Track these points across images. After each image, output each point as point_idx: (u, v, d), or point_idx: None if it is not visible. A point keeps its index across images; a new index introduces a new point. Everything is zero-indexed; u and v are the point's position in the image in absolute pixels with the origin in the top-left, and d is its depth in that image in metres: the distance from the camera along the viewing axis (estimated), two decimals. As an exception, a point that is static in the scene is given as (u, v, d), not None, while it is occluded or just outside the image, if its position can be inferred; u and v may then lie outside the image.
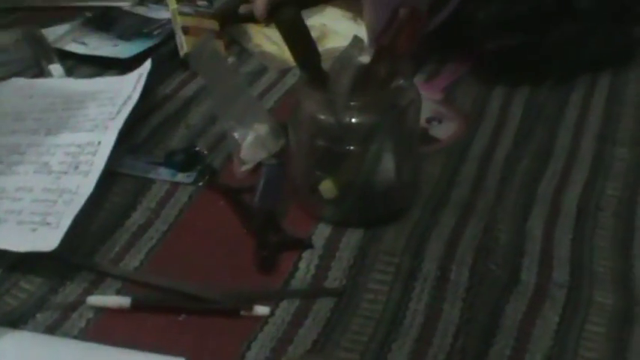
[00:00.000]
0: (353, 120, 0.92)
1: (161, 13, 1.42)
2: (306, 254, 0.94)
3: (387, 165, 0.95)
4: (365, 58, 0.96)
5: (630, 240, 0.99)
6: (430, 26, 1.26)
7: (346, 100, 0.93)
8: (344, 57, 0.96)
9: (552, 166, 1.10)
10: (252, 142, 1.06)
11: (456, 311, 0.87)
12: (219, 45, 1.30)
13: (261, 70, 1.29)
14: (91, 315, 0.87)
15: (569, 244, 0.97)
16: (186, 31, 1.31)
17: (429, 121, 1.17)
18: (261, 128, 1.07)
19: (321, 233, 0.97)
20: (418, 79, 1.27)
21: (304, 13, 1.37)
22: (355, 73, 0.95)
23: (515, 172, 1.08)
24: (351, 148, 0.93)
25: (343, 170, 0.95)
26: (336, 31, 1.35)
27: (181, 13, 1.33)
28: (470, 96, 1.24)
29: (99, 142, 1.06)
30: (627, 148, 1.16)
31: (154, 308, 0.87)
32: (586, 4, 1.30)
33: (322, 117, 0.93)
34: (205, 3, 1.39)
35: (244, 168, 1.06)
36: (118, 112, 1.11)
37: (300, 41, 0.92)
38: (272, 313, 0.86)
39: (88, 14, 1.45)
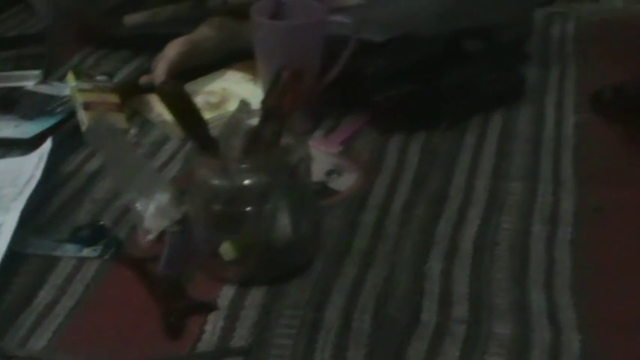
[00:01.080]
0: (246, 182, 0.95)
1: (64, 90, 1.43)
2: (211, 316, 0.95)
3: (284, 222, 0.98)
4: (255, 121, 0.99)
5: (526, 270, 1.03)
6: (325, 81, 1.30)
7: (238, 163, 0.96)
8: (233, 121, 0.99)
9: (449, 208, 1.14)
10: (154, 211, 1.08)
11: (360, 359, 0.89)
12: (120, 118, 1.32)
13: (164, 140, 1.31)
14: (-2, 400, 0.86)
15: (467, 280, 1.01)
16: (87, 106, 1.32)
17: (328, 174, 1.20)
18: (163, 197, 1.09)
19: (226, 294, 0.99)
20: (318, 134, 1.31)
21: (205, 79, 1.43)
22: (245, 136, 0.98)
23: (413, 218, 1.12)
24: (247, 209, 0.96)
25: (241, 232, 0.97)
26: (237, 94, 1.38)
27: (81, 90, 1.35)
28: (368, 147, 1.28)
29: (1, 225, 1.06)
30: (519, 182, 1.21)
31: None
32: (474, 48, 1.36)
33: (216, 182, 0.96)
34: (105, 77, 1.41)
35: (149, 238, 1.08)
36: (20, 192, 1.12)
37: (185, 112, 0.95)
38: (180, 379, 0.87)
39: (-10, 97, 1.46)
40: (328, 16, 1.25)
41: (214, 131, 0.98)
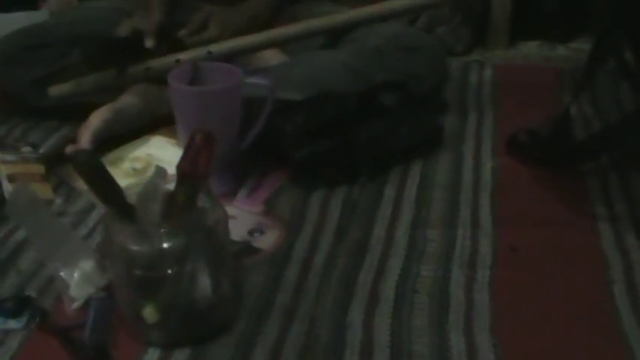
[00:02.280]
0: (165, 245, 0.97)
1: (-10, 163, 1.44)
2: (137, 381, 0.97)
3: (204, 283, 0.99)
4: (172, 185, 1.02)
5: (446, 315, 1.06)
6: (245, 142, 1.33)
7: (156, 227, 0.98)
8: (150, 187, 1.01)
9: (369, 259, 1.17)
10: (78, 279, 1.09)
11: (283, 413, 0.91)
12: (46, 188, 1.34)
13: (90, 208, 1.32)
14: None
15: (388, 329, 1.04)
16: (12, 178, 1.33)
17: (251, 233, 1.22)
18: (87, 265, 1.10)
19: (151, 357, 1.00)
20: (240, 194, 1.34)
21: (130, 146, 1.45)
22: (162, 201, 1.00)
23: (334, 270, 1.15)
24: (167, 272, 0.98)
25: (162, 294, 0.99)
26: (162, 159, 1.40)
27: (5, 162, 1.36)
28: (290, 203, 1.31)
29: None
30: (439, 229, 1.24)
31: None
32: (390, 101, 1.41)
33: (135, 247, 0.97)
34: (30, 148, 1.42)
35: (75, 305, 1.09)
36: (-57, 268, 1.12)
37: (100, 182, 0.97)
38: None
39: None
40: (245, 79, 1.28)
41: (132, 198, 1.00)
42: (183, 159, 1.00)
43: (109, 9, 1.67)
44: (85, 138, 1.40)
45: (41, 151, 1.47)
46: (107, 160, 1.40)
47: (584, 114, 1.61)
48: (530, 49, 1.97)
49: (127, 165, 1.40)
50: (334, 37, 1.51)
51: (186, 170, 0.99)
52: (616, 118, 1.58)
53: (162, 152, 1.43)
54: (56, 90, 1.50)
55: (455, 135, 1.53)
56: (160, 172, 1.02)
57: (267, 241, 1.21)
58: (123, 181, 1.24)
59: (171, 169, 1.02)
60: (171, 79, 1.28)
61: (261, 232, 1.23)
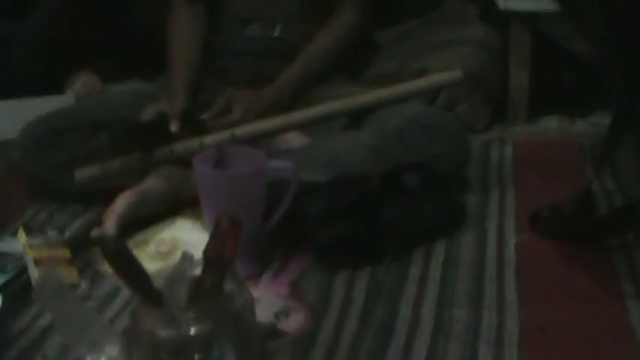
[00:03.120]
0: (191, 331, 0.97)
1: (16, 247, 1.45)
2: None
3: (231, 367, 0.99)
4: (198, 270, 1.02)
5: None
6: (270, 225, 1.34)
7: (183, 312, 0.98)
8: (176, 272, 1.02)
9: (395, 340, 1.17)
10: (104, 364, 1.09)
11: None
12: (71, 272, 1.35)
13: (115, 292, 1.33)
14: None
15: (416, 411, 1.02)
16: (38, 262, 1.34)
17: (277, 316, 1.22)
18: (113, 350, 1.10)
19: None
20: (265, 277, 1.34)
21: (155, 228, 1.46)
22: (188, 286, 1.01)
23: (359, 354, 1.14)
24: (194, 357, 0.98)
25: (189, 380, 0.98)
26: (187, 241, 1.41)
27: (32, 246, 1.37)
28: (314, 286, 1.31)
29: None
30: (464, 308, 1.24)
31: None
32: (413, 181, 1.42)
33: (162, 332, 0.98)
34: (55, 233, 1.44)
35: (101, 391, 1.08)
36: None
37: (127, 267, 0.98)
38: None
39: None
40: (268, 163, 1.30)
41: (159, 282, 1.01)
42: (209, 244, 1.01)
43: (133, 93, 1.71)
44: (111, 221, 1.42)
45: (67, 234, 1.48)
46: (132, 242, 1.41)
47: (607, 189, 1.61)
48: (550, 124, 1.98)
49: (152, 248, 1.41)
50: (356, 118, 1.53)
51: (213, 256, 1.00)
52: (639, 193, 1.58)
53: (188, 235, 1.44)
54: (82, 173, 1.53)
55: (478, 213, 1.53)
56: (187, 257, 1.03)
57: (292, 323, 1.21)
58: (148, 264, 1.26)
59: (197, 252, 1.03)
60: (197, 163, 1.30)
61: (287, 315, 1.23)
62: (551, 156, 1.81)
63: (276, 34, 1.65)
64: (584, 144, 1.84)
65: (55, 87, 2.08)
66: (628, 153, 1.65)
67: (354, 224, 1.33)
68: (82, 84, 2.11)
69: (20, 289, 1.34)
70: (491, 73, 1.92)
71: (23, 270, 1.37)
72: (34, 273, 1.34)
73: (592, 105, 2.02)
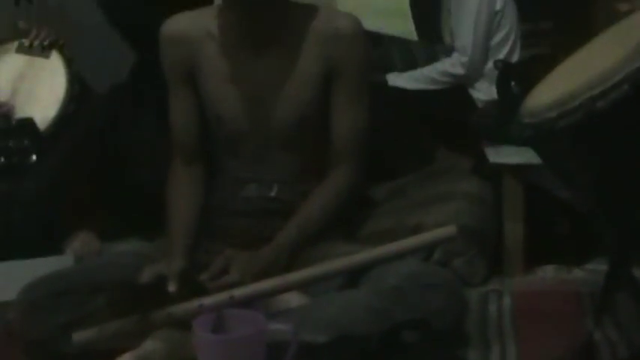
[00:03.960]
0: None
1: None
2: None
3: None
4: None
5: None
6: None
7: None
8: None
9: None
10: None
11: None
12: None
13: None
14: None
15: None
16: None
17: None
18: None
19: None
20: None
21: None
22: None
23: None
24: None
25: None
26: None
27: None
28: None
29: None
30: None
31: None
32: (411, 339, 1.42)
33: None
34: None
35: None
36: None
37: None
38: None
39: None
40: (268, 325, 1.30)
41: None
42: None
43: (132, 254, 1.72)
44: (110, 386, 1.40)
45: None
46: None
47: (609, 338, 1.60)
48: (547, 273, 1.99)
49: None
50: (353, 276, 1.54)
51: None
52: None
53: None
54: (80, 336, 1.51)
55: (479, 369, 1.52)
56: None
57: None
58: None
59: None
60: (196, 327, 1.30)
61: None
62: (550, 306, 1.81)
63: (273, 194, 1.69)
64: (583, 292, 1.84)
65: (54, 246, 2.10)
66: (629, 300, 1.65)
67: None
68: (81, 243, 2.13)
69: None
70: (485, 226, 1.95)
71: None
72: None
73: (588, 252, 2.03)
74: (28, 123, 2.01)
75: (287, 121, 1.67)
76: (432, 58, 2.66)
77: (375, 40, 2.63)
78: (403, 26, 3.06)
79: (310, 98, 1.67)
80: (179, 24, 1.74)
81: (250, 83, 1.68)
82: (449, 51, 2.61)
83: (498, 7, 2.54)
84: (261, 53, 1.67)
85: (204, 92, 1.71)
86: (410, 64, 2.70)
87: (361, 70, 1.69)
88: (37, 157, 1.99)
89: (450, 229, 1.58)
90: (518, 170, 1.97)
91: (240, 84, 1.68)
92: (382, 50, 2.73)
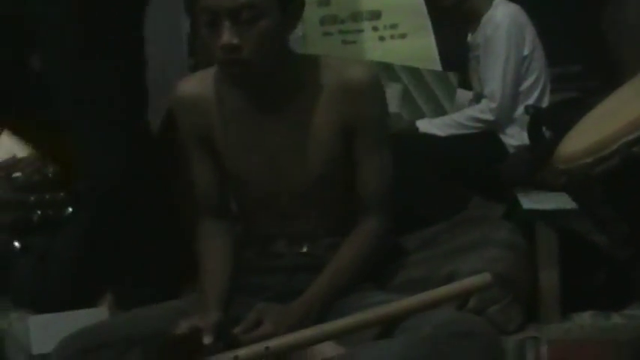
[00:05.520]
0: None
1: None
2: None
3: None
4: None
5: None
6: None
7: None
8: None
9: None
10: None
11: None
12: None
13: None
14: None
15: None
16: None
17: None
18: None
19: None
20: None
21: None
22: None
23: None
24: None
25: None
26: None
27: None
28: None
29: None
30: None
31: None
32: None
33: None
34: None
35: None
36: None
37: None
38: None
39: None
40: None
41: None
42: None
43: (166, 307, 1.72)
44: None
45: None
46: None
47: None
48: (584, 320, 1.96)
49: None
50: (387, 326, 1.53)
51: None
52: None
53: None
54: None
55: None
56: None
57: None
58: None
59: None
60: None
61: None
62: (588, 356, 1.77)
63: (304, 249, 1.69)
64: (622, 340, 1.81)
65: (88, 299, 2.11)
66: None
67: None
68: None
69: None
70: (520, 273, 1.93)
71: None
72: None
73: (626, 296, 2.00)
74: (64, 175, 2.03)
75: (308, 180, 1.66)
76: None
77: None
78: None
79: (329, 155, 1.65)
80: (191, 87, 1.72)
81: (266, 146, 1.66)
82: (478, 98, 2.62)
83: (527, 51, 2.55)
84: (275, 112, 1.65)
85: (221, 155, 1.70)
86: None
87: (380, 120, 1.68)
88: (73, 210, 2.00)
89: (484, 277, 1.57)
90: (551, 216, 1.96)
91: (256, 145, 1.67)
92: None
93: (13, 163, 2.21)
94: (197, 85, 1.72)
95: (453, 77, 2.83)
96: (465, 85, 2.82)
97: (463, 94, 2.84)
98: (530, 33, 2.57)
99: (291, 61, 1.66)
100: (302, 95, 1.64)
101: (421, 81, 2.83)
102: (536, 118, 2.20)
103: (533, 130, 2.19)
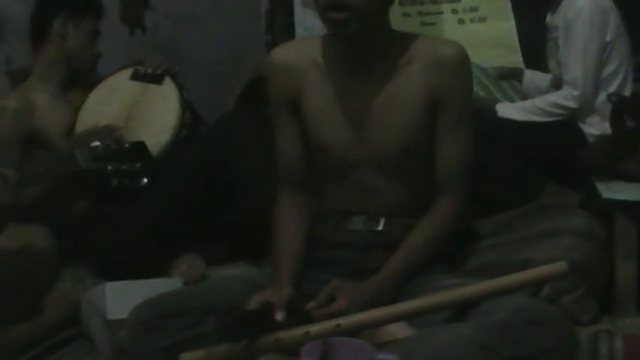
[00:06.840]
0: None
1: None
2: None
3: None
4: None
5: None
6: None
7: None
8: None
9: None
10: None
11: None
12: None
13: None
14: None
15: None
16: None
17: None
18: None
19: None
20: None
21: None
22: None
23: None
24: None
25: None
26: None
27: None
28: None
29: None
30: None
31: None
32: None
33: None
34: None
35: None
36: None
37: None
38: None
39: None
40: (375, 356, 1.29)
41: None
42: None
43: (239, 279, 1.75)
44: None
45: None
46: None
47: None
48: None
49: None
50: (459, 309, 1.52)
51: None
52: None
53: None
54: (188, 357, 1.54)
55: None
56: None
57: None
58: None
59: None
60: (303, 354, 1.31)
61: None
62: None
63: (380, 227, 1.69)
64: None
65: (160, 268, 2.15)
66: None
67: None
68: (187, 267, 2.17)
69: None
70: (596, 264, 1.89)
71: None
72: None
73: None
74: (141, 146, 2.07)
75: (392, 149, 1.67)
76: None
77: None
78: (511, 58, 3.04)
79: (414, 126, 1.67)
80: (285, 53, 1.77)
81: (354, 111, 1.69)
82: (557, 83, 2.58)
83: (608, 38, 2.49)
84: (365, 81, 1.68)
85: (308, 120, 1.73)
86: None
87: (466, 98, 1.69)
88: (149, 180, 2.04)
89: (560, 266, 1.55)
90: (631, 207, 1.92)
91: (344, 111, 1.69)
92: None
93: (93, 133, 2.27)
94: (291, 50, 1.78)
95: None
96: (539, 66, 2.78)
97: (535, 76, 2.80)
98: (614, 18, 2.51)
99: (388, 31, 1.70)
100: (394, 66, 1.68)
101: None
102: (620, 107, 2.16)
103: (615, 119, 2.15)
